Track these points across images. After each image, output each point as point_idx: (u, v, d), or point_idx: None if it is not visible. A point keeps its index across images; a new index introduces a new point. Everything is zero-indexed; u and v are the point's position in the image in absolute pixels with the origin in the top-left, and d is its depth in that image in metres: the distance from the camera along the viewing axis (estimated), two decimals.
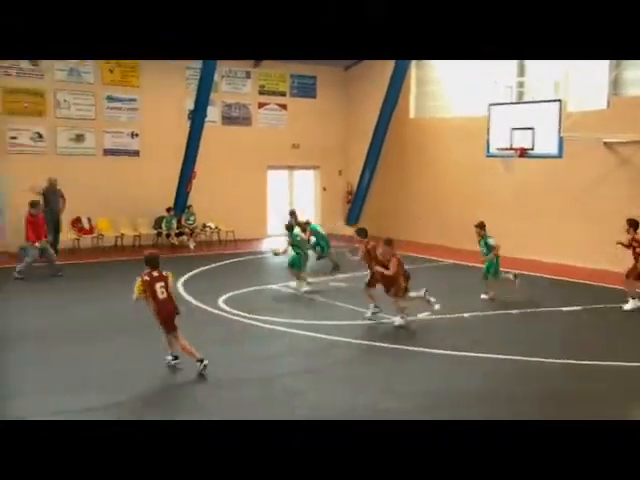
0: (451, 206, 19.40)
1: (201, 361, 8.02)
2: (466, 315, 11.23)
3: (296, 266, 13.22)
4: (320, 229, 15.77)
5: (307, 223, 15.60)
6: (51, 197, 16.41)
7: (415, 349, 9.24)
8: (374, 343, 9.56)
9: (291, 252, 13.49)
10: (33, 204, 14.73)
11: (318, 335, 9.93)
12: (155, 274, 8.03)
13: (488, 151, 15.93)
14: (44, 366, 8.38)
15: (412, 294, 10.65)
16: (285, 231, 13.75)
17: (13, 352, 8.93)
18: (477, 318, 11.18)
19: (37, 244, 14.41)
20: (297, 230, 14.01)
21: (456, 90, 19.97)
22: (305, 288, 13.06)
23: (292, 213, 16.71)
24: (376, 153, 21.82)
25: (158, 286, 7.96)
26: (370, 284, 10.93)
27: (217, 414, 6.72)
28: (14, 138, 18.08)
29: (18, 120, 18.06)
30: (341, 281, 14.01)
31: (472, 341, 9.65)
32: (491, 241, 12.48)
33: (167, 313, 8.03)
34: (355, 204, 22.68)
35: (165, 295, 8.00)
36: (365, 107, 22.33)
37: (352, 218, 22.68)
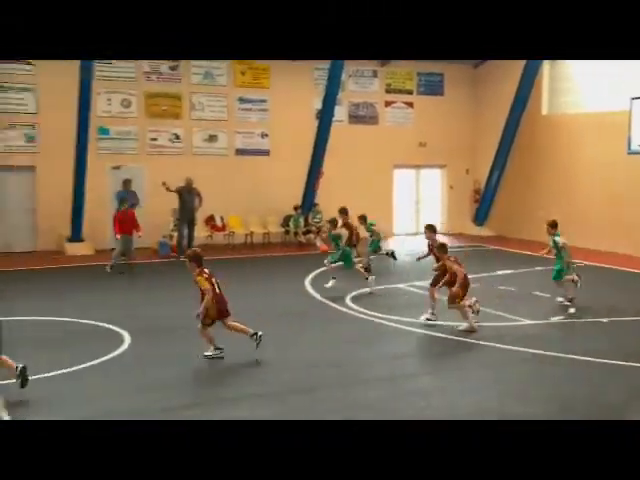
0: (587, 205, 18.51)
1: (255, 334, 8.52)
2: (605, 320, 10.66)
3: (347, 264, 13.00)
4: (375, 228, 15.51)
5: (362, 218, 15.33)
6: (186, 196, 17.12)
7: (544, 353, 8.86)
8: (502, 346, 9.27)
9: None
10: (121, 201, 15.52)
11: (445, 336, 9.77)
12: (207, 270, 8.55)
13: (629, 147, 15.08)
14: (155, 364, 8.73)
15: (466, 302, 10.15)
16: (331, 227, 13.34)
17: (131, 347, 9.23)
18: (617, 323, 10.57)
19: (118, 236, 15.03)
20: (338, 231, 13.61)
21: (592, 84, 19.01)
22: (329, 284, 12.76)
23: (343, 211, 15.80)
24: (505, 151, 21.20)
25: (214, 280, 8.52)
26: (435, 282, 10.45)
27: (344, 414, 6.74)
28: (154, 139, 19.10)
29: (157, 122, 19.06)
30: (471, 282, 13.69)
31: (609, 348, 9.12)
32: (558, 239, 11.67)
33: (224, 303, 8.55)
34: (483, 204, 22.15)
35: (218, 289, 8.54)
36: (494, 104, 21.74)
37: (480, 218, 22.19)
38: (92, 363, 8.28)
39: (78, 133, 16.97)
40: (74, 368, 8.08)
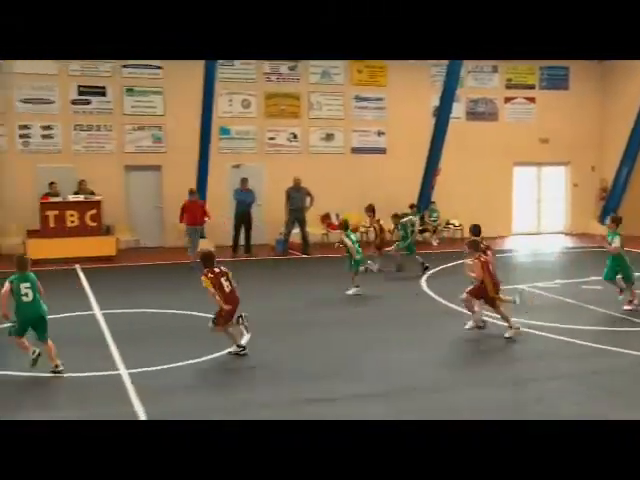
0: None
1: (242, 347, 8.49)
2: None
3: (350, 267, 12.55)
4: (407, 226, 14.85)
5: (396, 216, 14.76)
6: (294, 195, 17.36)
7: None
8: (629, 352, 8.74)
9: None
10: (191, 192, 16.00)
11: (569, 339, 9.35)
12: (217, 270, 8.51)
13: None
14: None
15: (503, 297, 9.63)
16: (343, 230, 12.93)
17: (250, 341, 9.46)
18: None
19: (183, 224, 15.43)
20: (350, 231, 13.02)
21: None
22: (351, 291, 12.33)
23: (370, 209, 15.26)
24: (636, 147, 20.06)
25: (223, 280, 8.49)
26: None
27: (462, 414, 6.61)
28: (272, 139, 19.51)
29: (276, 122, 19.46)
30: (595, 284, 13.06)
31: None
32: (617, 239, 10.72)
33: (235, 304, 8.54)
34: (610, 202, 21.03)
35: (230, 288, 8.51)
36: (623, 98, 20.62)
37: (606, 217, 21.08)
38: (211, 356, 8.56)
39: (201, 133, 17.60)
40: (189, 361, 8.31)
